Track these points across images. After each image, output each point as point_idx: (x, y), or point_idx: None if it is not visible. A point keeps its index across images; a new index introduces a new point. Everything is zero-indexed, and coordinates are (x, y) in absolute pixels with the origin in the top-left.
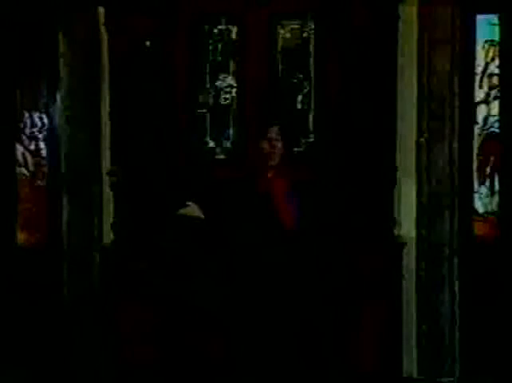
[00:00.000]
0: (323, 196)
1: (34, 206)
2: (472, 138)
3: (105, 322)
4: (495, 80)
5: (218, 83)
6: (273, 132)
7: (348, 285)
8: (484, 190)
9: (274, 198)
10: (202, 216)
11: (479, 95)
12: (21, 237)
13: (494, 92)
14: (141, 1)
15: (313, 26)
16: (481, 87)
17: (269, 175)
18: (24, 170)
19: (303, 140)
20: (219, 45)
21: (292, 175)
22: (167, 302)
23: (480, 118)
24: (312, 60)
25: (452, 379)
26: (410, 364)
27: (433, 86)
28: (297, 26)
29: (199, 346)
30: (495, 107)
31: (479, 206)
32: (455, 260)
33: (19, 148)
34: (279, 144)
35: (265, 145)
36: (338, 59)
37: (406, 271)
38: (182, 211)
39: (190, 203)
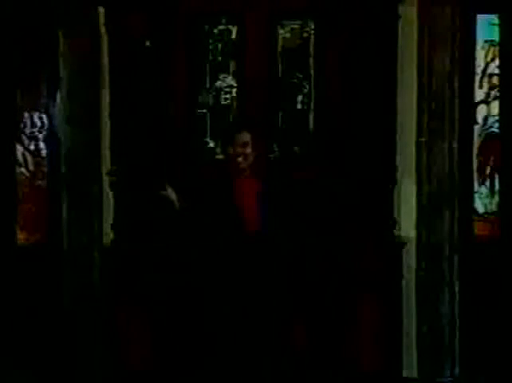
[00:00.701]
0: (323, 196)
1: (34, 206)
2: (472, 138)
3: (105, 322)
4: (495, 80)
5: (218, 83)
6: (242, 137)
7: (348, 285)
8: (484, 190)
9: (239, 199)
10: (177, 203)
11: (479, 95)
12: (21, 237)
13: (493, 93)
14: (141, 1)
15: (312, 26)
16: (481, 87)
17: (239, 177)
18: (24, 170)
19: (303, 141)
20: (219, 45)
21: (265, 176)
22: (167, 302)
23: (480, 118)
24: (312, 60)
25: (452, 379)
26: (410, 364)
27: (433, 86)
28: (297, 26)
29: (199, 346)
30: (495, 107)
31: (479, 206)
32: (455, 260)
33: (19, 148)
34: (248, 149)
35: (231, 151)
36: (338, 59)
37: (406, 271)
38: (161, 192)
39: (169, 189)
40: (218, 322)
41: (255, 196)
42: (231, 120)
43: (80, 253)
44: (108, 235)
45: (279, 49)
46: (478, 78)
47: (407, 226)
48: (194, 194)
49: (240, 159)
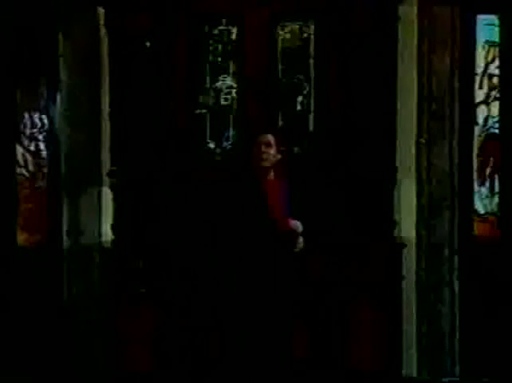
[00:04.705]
0: (323, 197)
1: (34, 206)
2: (472, 138)
3: (105, 322)
4: (495, 80)
5: (218, 84)
6: (266, 138)
7: (348, 284)
8: (484, 190)
9: (267, 197)
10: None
11: (479, 95)
12: (21, 237)
13: (494, 93)
14: (141, 1)
15: (312, 27)
16: (481, 87)
17: (263, 176)
18: (24, 171)
19: (303, 141)
20: (219, 46)
21: (288, 176)
22: (167, 302)
23: (480, 119)
24: (312, 61)
25: (452, 379)
26: (410, 364)
27: (433, 86)
28: (297, 27)
29: (198, 346)
30: (495, 107)
31: (479, 206)
32: (455, 260)
33: (19, 149)
34: (272, 151)
35: (255, 151)
36: (338, 60)
37: (406, 271)
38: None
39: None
40: (218, 323)
41: (279, 196)
42: (231, 120)
43: (80, 253)
44: (108, 235)
45: (279, 49)
46: (478, 79)
47: (407, 226)
48: (195, 194)
49: (265, 159)
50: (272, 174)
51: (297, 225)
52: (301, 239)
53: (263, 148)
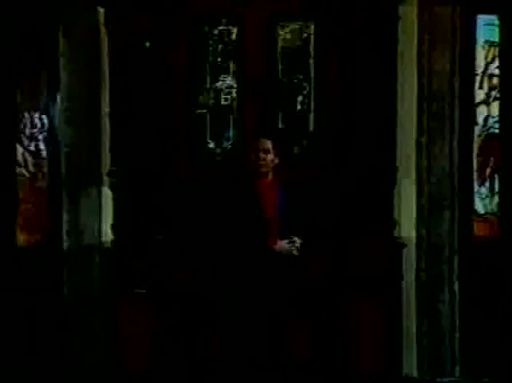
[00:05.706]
0: (323, 197)
1: (34, 206)
2: (472, 138)
3: (105, 322)
4: (495, 80)
5: (218, 84)
6: (264, 144)
7: (349, 285)
8: (484, 190)
9: (264, 199)
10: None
11: (479, 95)
12: (21, 237)
13: (494, 93)
14: (141, 1)
15: (312, 27)
16: (481, 87)
17: (260, 180)
18: (24, 170)
19: (303, 141)
20: (219, 46)
21: (285, 180)
22: (167, 302)
23: (480, 118)
24: (312, 61)
25: (452, 379)
26: (410, 364)
27: (433, 86)
28: (297, 27)
29: (198, 346)
30: (495, 107)
31: (479, 206)
32: (455, 260)
33: (19, 149)
34: (269, 156)
35: (253, 156)
36: (338, 60)
37: (406, 271)
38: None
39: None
40: (218, 323)
41: (276, 198)
42: (231, 120)
43: (80, 253)
44: (108, 235)
45: (279, 49)
46: (478, 79)
47: (407, 226)
48: (195, 194)
49: (263, 164)
50: (270, 176)
51: (283, 248)
52: (297, 243)
53: (261, 155)
